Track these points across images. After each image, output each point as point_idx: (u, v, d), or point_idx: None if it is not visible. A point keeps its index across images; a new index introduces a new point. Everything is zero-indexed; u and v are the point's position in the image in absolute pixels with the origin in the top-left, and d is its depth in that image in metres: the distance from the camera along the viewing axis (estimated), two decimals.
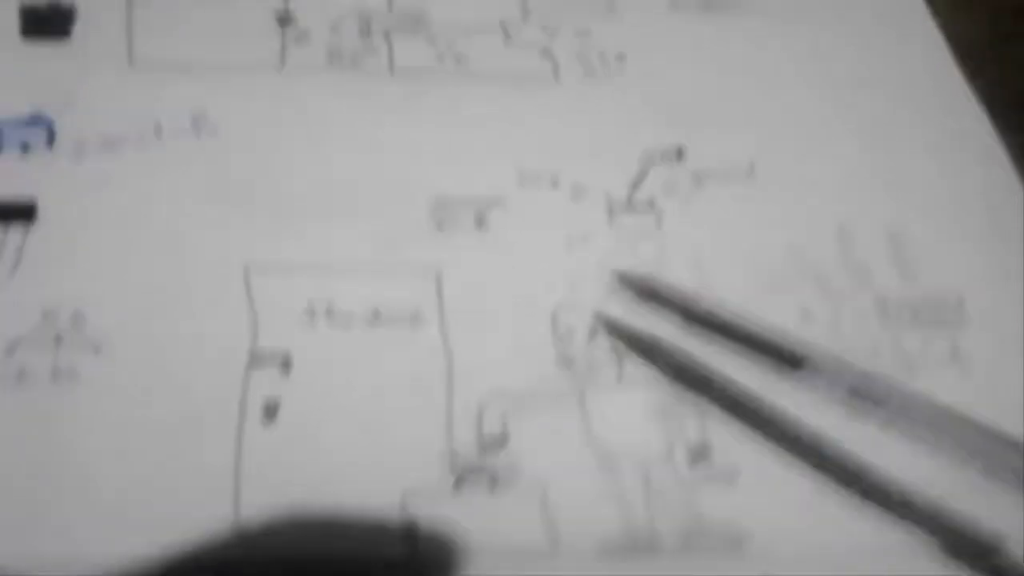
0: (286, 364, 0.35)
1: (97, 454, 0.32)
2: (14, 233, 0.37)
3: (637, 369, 0.36)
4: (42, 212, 0.38)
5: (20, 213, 0.38)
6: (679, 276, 0.39)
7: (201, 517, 0.31)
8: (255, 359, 0.35)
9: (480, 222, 0.40)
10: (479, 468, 0.33)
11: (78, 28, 0.44)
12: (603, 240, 0.40)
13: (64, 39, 0.44)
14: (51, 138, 0.40)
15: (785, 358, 0.36)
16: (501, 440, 0.34)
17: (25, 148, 0.40)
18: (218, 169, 0.40)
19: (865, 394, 0.35)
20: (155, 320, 0.36)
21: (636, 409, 0.35)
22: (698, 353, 0.36)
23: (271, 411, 0.33)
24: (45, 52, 0.44)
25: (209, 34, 0.45)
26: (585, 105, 0.45)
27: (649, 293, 0.38)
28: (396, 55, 0.46)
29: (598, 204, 0.41)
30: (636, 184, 0.42)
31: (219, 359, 0.35)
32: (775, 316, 0.38)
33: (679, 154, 0.43)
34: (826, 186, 0.43)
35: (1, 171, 0.39)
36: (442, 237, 0.39)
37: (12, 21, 0.44)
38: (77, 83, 0.42)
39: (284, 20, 0.46)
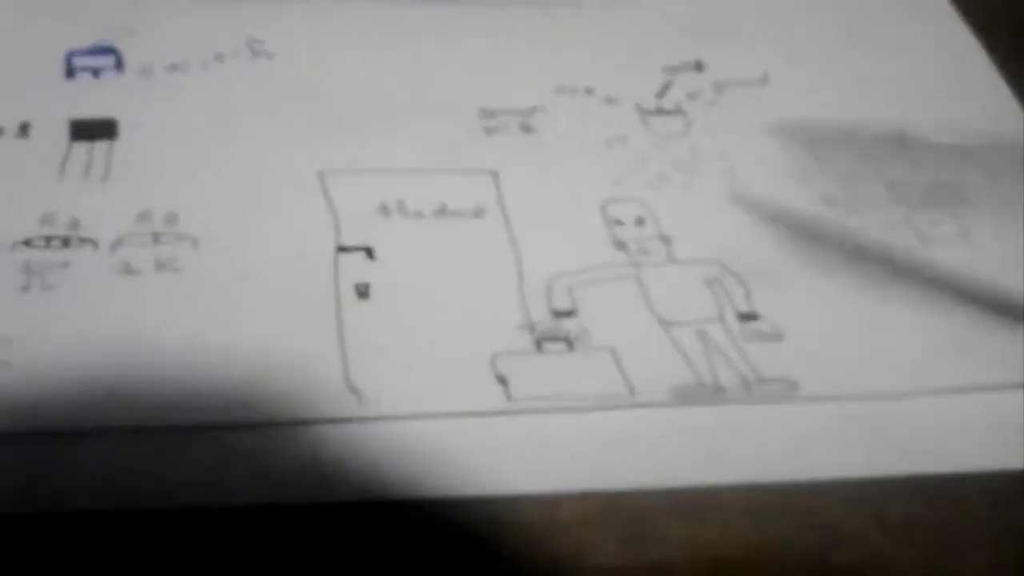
0: (370, 252, 0.38)
1: (204, 335, 0.35)
2: (100, 148, 0.40)
3: (684, 249, 0.40)
4: (122, 127, 0.41)
5: (102, 130, 0.41)
6: (710, 168, 0.43)
7: (313, 386, 0.34)
8: (342, 248, 0.38)
9: (526, 128, 0.43)
10: (555, 333, 0.36)
11: None
12: (639, 139, 0.43)
13: None
14: (119, 64, 0.43)
15: None
16: (571, 311, 0.37)
17: (96, 73, 0.43)
18: (278, 87, 0.43)
19: None
20: (244, 218, 0.38)
21: (687, 281, 0.39)
22: None
23: (363, 291, 0.37)
24: None
25: None
26: (607, 27, 0.49)
27: None
28: None
29: (630, 110, 0.45)
30: (663, 92, 0.46)
31: (309, 250, 0.38)
32: (800, 201, 0.42)
33: (698, 66, 0.47)
34: (835, 91, 0.47)
35: (77, 94, 0.42)
36: (493, 142, 0.43)
37: None
38: (137, 16, 0.45)
39: None
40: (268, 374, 0.34)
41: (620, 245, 0.40)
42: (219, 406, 0.33)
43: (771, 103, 0.46)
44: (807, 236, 0.41)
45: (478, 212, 0.40)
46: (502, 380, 0.35)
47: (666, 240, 0.40)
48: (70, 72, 0.42)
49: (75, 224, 0.37)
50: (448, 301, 0.37)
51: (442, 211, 0.40)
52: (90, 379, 0.33)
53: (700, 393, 0.36)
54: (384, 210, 0.39)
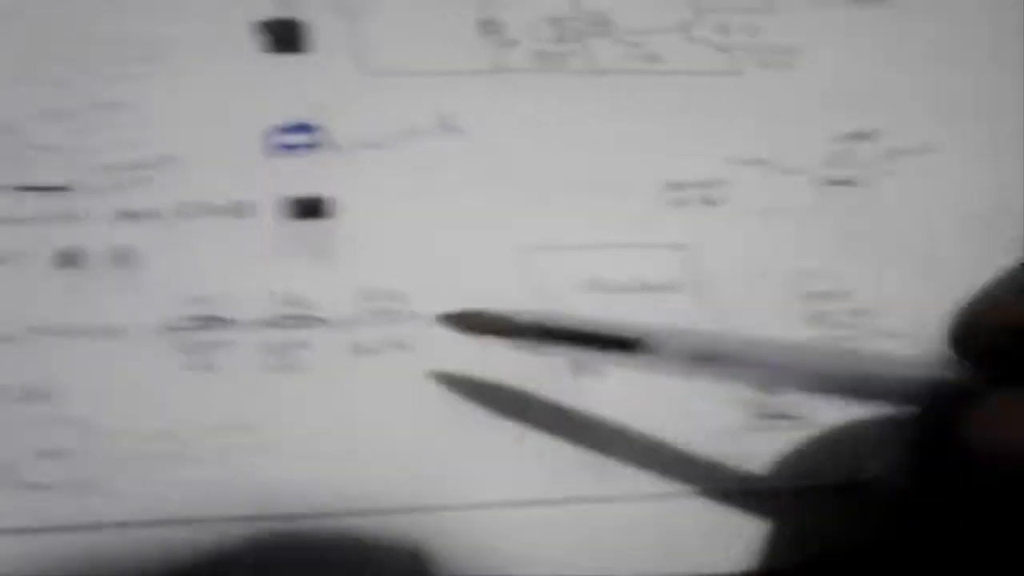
0: None
1: (438, 412, 0.37)
2: (314, 226, 0.42)
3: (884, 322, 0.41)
4: (331, 205, 0.43)
5: (313, 208, 0.42)
6: (905, 237, 0.44)
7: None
8: None
9: (709, 201, 0.45)
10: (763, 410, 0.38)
11: (310, 41, 0.49)
12: (820, 210, 0.45)
13: (300, 53, 0.49)
14: (318, 140, 0.45)
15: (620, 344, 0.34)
16: None
17: (298, 150, 0.44)
18: (471, 162, 0.45)
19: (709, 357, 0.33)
20: (458, 294, 0.40)
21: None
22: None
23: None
24: (289, 65, 0.48)
25: (425, 43, 0.50)
26: (770, 94, 0.50)
27: (475, 326, 0.37)
28: (593, 55, 0.50)
29: (805, 180, 0.46)
30: (834, 161, 0.47)
31: None
32: (987, 264, 0.43)
33: (863, 135, 0.48)
34: (1009, 158, 0.48)
35: (283, 171, 0.44)
36: (679, 215, 0.44)
37: (251, 38, 0.48)
38: (326, 92, 0.47)
39: (487, 27, 0.51)
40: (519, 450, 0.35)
41: (816, 319, 0.41)
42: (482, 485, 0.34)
43: (943, 171, 0.47)
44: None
45: (671, 287, 0.42)
46: None
47: (861, 314, 0.41)
48: (273, 149, 0.44)
49: (305, 303, 0.39)
50: None
51: (637, 286, 0.41)
52: (332, 459, 0.35)
53: None
54: (582, 285, 0.41)
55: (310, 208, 0.42)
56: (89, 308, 0.39)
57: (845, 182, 0.46)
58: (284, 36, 0.49)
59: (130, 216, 0.41)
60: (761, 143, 0.48)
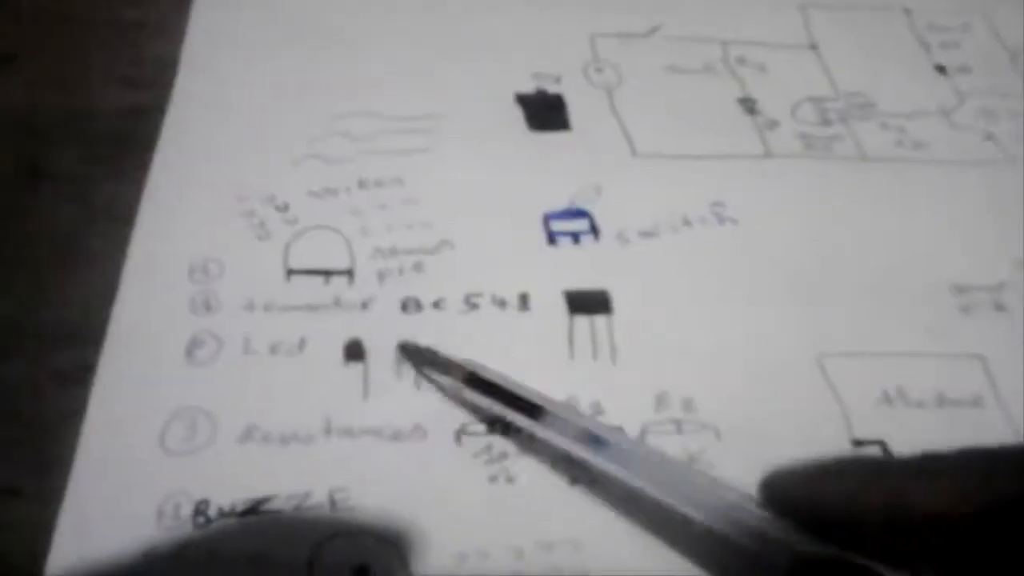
0: (884, 447, 0.38)
1: None
2: (599, 323, 0.41)
3: None
4: (615, 299, 0.41)
5: (597, 303, 0.41)
6: None
7: None
8: (857, 443, 0.38)
9: (999, 306, 0.43)
10: None
11: (571, 117, 0.48)
12: None
13: (562, 129, 0.48)
14: (594, 228, 0.44)
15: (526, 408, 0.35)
16: None
17: (576, 239, 0.43)
18: (750, 256, 0.43)
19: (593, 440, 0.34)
20: (755, 405, 0.39)
21: None
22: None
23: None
24: (555, 143, 0.47)
25: (687, 124, 0.48)
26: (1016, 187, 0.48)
27: (428, 361, 0.38)
28: (858, 141, 0.49)
29: None
30: None
31: (822, 442, 0.38)
32: None
33: None
34: None
35: (564, 262, 0.42)
36: (971, 322, 0.42)
37: (515, 114, 0.47)
38: (598, 175, 0.46)
39: (749, 108, 0.50)
40: None
41: None
42: None
43: None
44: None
45: (976, 402, 0.40)
46: None
47: None
48: (551, 238, 0.43)
49: (598, 408, 0.38)
50: None
51: (941, 400, 0.40)
52: None
53: None
54: (887, 398, 0.39)
55: (590, 303, 0.41)
56: (380, 406, 0.38)
57: None
58: (546, 112, 0.48)
59: (413, 305, 0.40)
60: None
